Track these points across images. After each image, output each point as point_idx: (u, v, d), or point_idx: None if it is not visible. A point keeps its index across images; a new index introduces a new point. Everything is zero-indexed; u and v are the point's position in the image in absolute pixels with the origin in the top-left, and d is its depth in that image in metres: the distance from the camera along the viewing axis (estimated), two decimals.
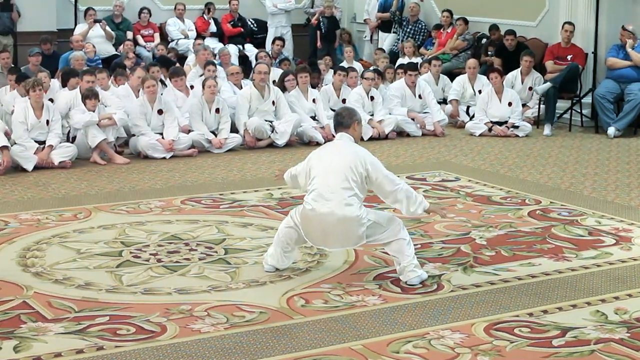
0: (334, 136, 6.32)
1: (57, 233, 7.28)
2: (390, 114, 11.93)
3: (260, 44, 15.92)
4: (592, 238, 7.24)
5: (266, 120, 11.17)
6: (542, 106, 12.54)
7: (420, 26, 15.51)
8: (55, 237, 7.18)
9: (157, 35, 15.50)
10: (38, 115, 9.86)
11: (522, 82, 12.85)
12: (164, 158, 10.40)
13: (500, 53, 13.54)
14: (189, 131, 10.94)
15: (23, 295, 5.84)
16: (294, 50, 16.29)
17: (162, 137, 10.54)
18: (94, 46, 13.80)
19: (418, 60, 13.99)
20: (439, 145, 11.38)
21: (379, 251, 6.54)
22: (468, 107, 12.82)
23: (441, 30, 14.93)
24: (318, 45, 16.14)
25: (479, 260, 6.64)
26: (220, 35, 15.95)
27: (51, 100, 10.52)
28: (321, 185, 5.94)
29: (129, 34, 15.10)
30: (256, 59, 13.13)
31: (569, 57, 12.59)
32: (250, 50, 15.63)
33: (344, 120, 6.13)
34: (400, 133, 11.98)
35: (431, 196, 8.49)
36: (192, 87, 11.82)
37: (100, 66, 12.82)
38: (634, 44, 12.00)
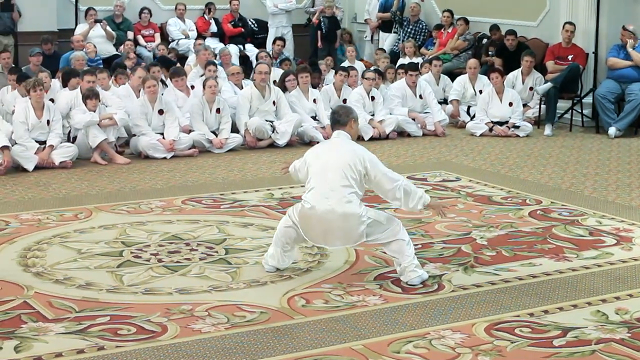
0: None
1: (57, 233, 7.29)
2: (391, 114, 11.93)
3: (260, 44, 15.92)
4: (592, 238, 7.23)
5: (267, 121, 11.17)
6: (542, 106, 12.53)
7: (420, 26, 15.51)
8: (56, 237, 7.18)
9: (157, 36, 15.50)
10: (39, 115, 9.86)
11: (523, 82, 12.85)
12: (165, 158, 10.40)
13: (501, 53, 13.54)
14: (190, 131, 10.94)
15: (24, 295, 5.84)
16: (295, 51, 16.28)
17: (163, 137, 10.54)
18: (94, 46, 13.80)
19: (419, 60, 13.99)
20: (439, 145, 11.37)
21: (379, 251, 6.54)
22: (469, 107, 12.82)
23: (442, 30, 14.93)
24: (319, 45, 16.14)
25: (480, 260, 6.64)
26: (220, 36, 15.95)
27: (52, 100, 10.53)
28: (320, 183, 5.94)
29: (130, 34, 15.10)
30: (257, 59, 13.13)
31: (569, 57, 12.59)
32: (250, 50, 15.63)
33: (341, 118, 6.14)
34: (401, 133, 11.98)
35: (432, 196, 8.45)
36: (192, 87, 11.83)
37: (101, 66, 12.82)
38: (634, 44, 11.99)
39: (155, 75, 11.10)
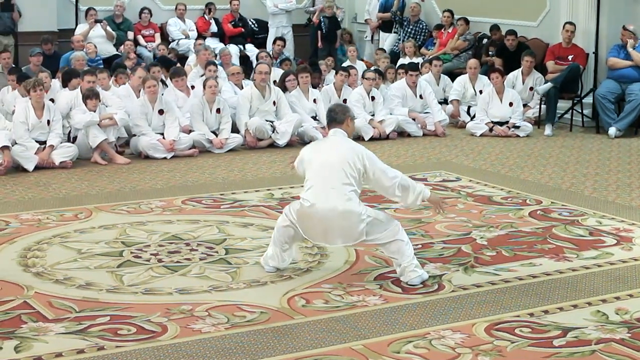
0: None
1: (57, 233, 7.29)
2: (391, 114, 11.93)
3: (261, 44, 15.92)
4: (593, 238, 7.23)
5: (267, 121, 11.17)
6: (543, 106, 12.53)
7: (421, 26, 15.51)
8: (56, 237, 7.18)
9: (157, 36, 15.51)
10: (39, 115, 9.86)
11: (523, 82, 12.85)
12: (165, 158, 10.40)
13: (501, 53, 13.54)
14: (190, 131, 10.94)
15: (24, 295, 5.84)
16: (295, 51, 16.28)
17: (163, 137, 10.54)
18: (95, 46, 13.80)
19: (419, 60, 13.99)
20: (439, 146, 11.37)
21: (379, 251, 6.53)
22: (469, 107, 12.82)
23: (442, 31, 14.93)
24: (319, 45, 16.14)
25: (480, 260, 6.64)
26: (221, 36, 15.95)
27: (52, 100, 10.53)
28: (320, 182, 5.94)
29: (130, 34, 15.09)
30: (257, 59, 13.13)
31: (569, 57, 12.58)
32: (251, 50, 15.63)
33: (338, 116, 6.15)
34: (401, 133, 11.98)
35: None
36: (193, 87, 11.83)
37: (101, 66, 12.82)
38: (634, 44, 11.99)
39: (155, 75, 11.10)
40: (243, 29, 16.09)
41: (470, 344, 5.08)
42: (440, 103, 12.54)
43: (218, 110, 10.95)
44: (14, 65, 12.12)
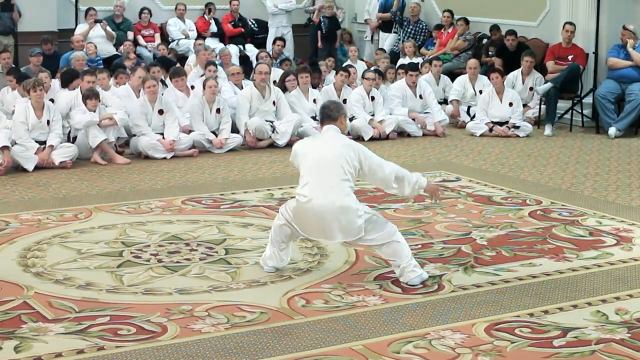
0: None
1: (57, 233, 7.28)
2: (391, 114, 11.93)
3: (261, 44, 15.92)
4: (592, 238, 7.23)
5: (267, 121, 11.17)
6: (542, 106, 12.53)
7: (421, 26, 15.51)
8: (55, 237, 7.18)
9: (157, 36, 15.50)
10: (39, 115, 9.86)
11: (523, 83, 12.85)
12: (165, 158, 10.40)
13: (501, 53, 13.54)
14: (190, 131, 10.94)
15: (24, 295, 5.84)
16: (295, 51, 16.29)
17: (163, 137, 10.54)
18: (95, 46, 13.80)
19: (419, 60, 13.99)
20: (439, 146, 11.37)
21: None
22: (469, 107, 12.82)
23: (442, 31, 14.93)
24: (319, 46, 16.14)
25: (480, 260, 6.64)
26: (220, 36, 15.95)
27: (52, 100, 10.53)
28: (317, 178, 5.93)
29: (130, 34, 15.09)
30: (257, 59, 13.13)
31: (569, 57, 12.59)
32: (251, 50, 15.63)
33: (332, 113, 6.16)
34: (401, 133, 11.97)
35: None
36: (192, 87, 11.83)
37: (101, 66, 12.82)
38: (634, 44, 11.99)
39: (155, 76, 11.10)
40: (243, 29, 16.09)
41: (470, 344, 5.08)
42: (440, 103, 12.54)
43: (218, 111, 10.95)
44: (14, 66, 12.11)
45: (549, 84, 12.31)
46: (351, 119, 11.72)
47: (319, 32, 16.17)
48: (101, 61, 13.88)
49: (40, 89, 9.88)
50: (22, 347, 5.01)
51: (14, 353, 4.93)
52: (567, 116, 12.60)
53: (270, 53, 13.95)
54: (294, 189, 8.48)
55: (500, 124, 12.01)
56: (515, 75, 12.90)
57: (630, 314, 5.55)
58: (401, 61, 14.19)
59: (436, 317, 5.49)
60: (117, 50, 14.54)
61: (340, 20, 16.63)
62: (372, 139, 11.49)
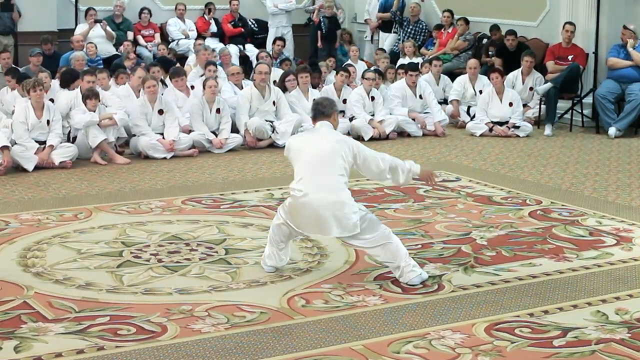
0: None
1: (57, 233, 7.28)
2: (391, 114, 11.93)
3: (260, 44, 15.92)
4: (592, 238, 7.23)
5: (267, 121, 11.17)
6: (542, 106, 12.53)
7: (420, 26, 15.51)
8: (55, 237, 7.18)
9: (157, 36, 15.50)
10: (39, 115, 9.86)
11: (523, 82, 12.85)
12: (165, 158, 10.40)
13: (501, 53, 13.54)
14: (190, 131, 10.94)
15: (23, 295, 5.84)
16: (295, 51, 16.29)
17: (163, 137, 10.54)
18: (95, 46, 13.80)
19: (419, 60, 13.99)
20: (439, 146, 11.37)
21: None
22: (469, 107, 12.82)
23: (442, 31, 14.93)
24: (319, 46, 16.14)
25: (480, 260, 6.63)
26: (220, 36, 15.95)
27: (52, 100, 10.53)
28: (312, 173, 5.94)
29: (130, 34, 15.09)
30: (257, 59, 13.13)
31: (569, 57, 12.58)
32: (250, 50, 15.64)
33: (325, 109, 6.18)
34: (401, 133, 11.97)
35: (432, 196, 8.50)
36: (192, 87, 11.82)
37: (101, 66, 12.82)
38: (634, 44, 11.99)
39: (155, 75, 11.10)
40: (243, 29, 16.09)
41: (470, 344, 5.08)
42: (440, 103, 12.54)
43: (218, 110, 10.95)
44: (14, 66, 12.11)
45: (549, 84, 12.31)
46: (351, 119, 11.73)
47: (319, 32, 16.16)
48: (101, 61, 13.88)
49: (40, 89, 9.88)
50: (22, 347, 5.01)
51: (14, 353, 4.93)
52: (567, 116, 12.60)
53: (270, 53, 13.95)
54: None
55: (500, 124, 12.01)
56: (515, 75, 12.90)
57: (630, 314, 5.55)
58: (401, 61, 14.19)
59: (436, 317, 5.49)
60: (117, 50, 14.54)
61: (340, 20, 16.63)
62: (372, 139, 11.49)
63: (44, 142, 9.88)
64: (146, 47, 15.18)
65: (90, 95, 10.15)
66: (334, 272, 6.35)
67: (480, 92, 12.57)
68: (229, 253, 6.78)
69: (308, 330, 5.28)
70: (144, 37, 15.39)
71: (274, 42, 14.88)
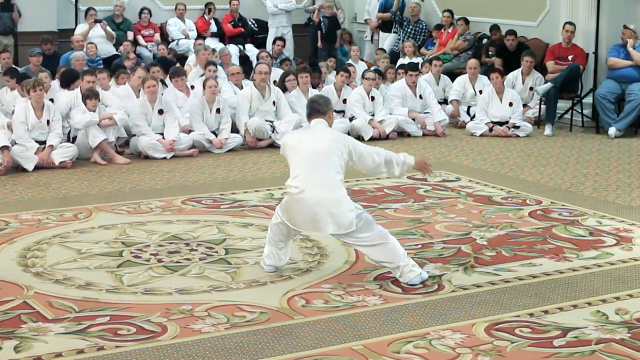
0: None
1: (57, 233, 7.28)
2: (391, 114, 11.92)
3: (260, 44, 15.92)
4: (593, 238, 7.23)
5: (267, 121, 11.17)
6: (542, 106, 12.53)
7: (420, 26, 15.51)
8: (55, 237, 7.18)
9: (157, 36, 15.50)
10: (38, 115, 9.86)
11: (523, 82, 12.85)
12: (165, 158, 10.40)
13: (501, 53, 13.54)
14: (190, 131, 10.94)
15: (23, 295, 5.84)
16: (295, 51, 16.28)
17: (163, 137, 10.54)
18: (95, 46, 13.80)
19: (419, 60, 13.99)
20: (439, 146, 11.37)
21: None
22: (469, 107, 12.82)
23: (442, 31, 14.93)
24: (319, 45, 16.14)
25: (480, 260, 6.63)
26: (220, 36, 15.95)
27: (52, 100, 10.52)
28: (309, 170, 5.94)
29: (130, 34, 15.09)
30: (257, 59, 13.13)
31: (569, 57, 12.58)
32: (250, 50, 15.63)
33: (321, 107, 6.21)
34: (401, 133, 11.97)
35: (432, 196, 8.50)
36: (192, 87, 11.82)
37: (101, 66, 12.82)
38: (634, 44, 11.99)
39: (155, 75, 11.10)
40: (243, 29, 16.09)
41: (470, 344, 5.08)
42: (440, 103, 12.54)
43: (218, 110, 10.95)
44: (13, 66, 12.10)
45: (549, 84, 12.31)
46: (351, 119, 11.73)
47: (319, 32, 16.16)
48: (101, 61, 13.88)
49: (40, 89, 9.88)
50: (22, 347, 5.01)
51: (14, 353, 4.93)
52: (567, 116, 12.60)
53: (270, 53, 13.95)
54: None
55: (500, 124, 12.01)
56: (515, 75, 12.90)
57: (630, 314, 5.55)
58: (401, 61, 14.19)
59: (436, 317, 5.49)
60: (117, 50, 14.54)
61: (340, 20, 16.62)
62: (372, 138, 11.49)
63: (44, 142, 9.88)
64: (146, 47, 15.18)
65: (90, 95, 10.15)
66: (334, 272, 6.35)
67: (480, 92, 12.57)
68: (229, 253, 6.78)
69: (308, 330, 5.28)
70: (144, 37, 15.39)
71: (274, 42, 14.88)
